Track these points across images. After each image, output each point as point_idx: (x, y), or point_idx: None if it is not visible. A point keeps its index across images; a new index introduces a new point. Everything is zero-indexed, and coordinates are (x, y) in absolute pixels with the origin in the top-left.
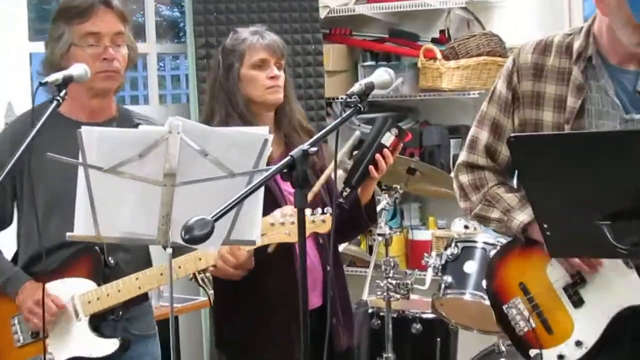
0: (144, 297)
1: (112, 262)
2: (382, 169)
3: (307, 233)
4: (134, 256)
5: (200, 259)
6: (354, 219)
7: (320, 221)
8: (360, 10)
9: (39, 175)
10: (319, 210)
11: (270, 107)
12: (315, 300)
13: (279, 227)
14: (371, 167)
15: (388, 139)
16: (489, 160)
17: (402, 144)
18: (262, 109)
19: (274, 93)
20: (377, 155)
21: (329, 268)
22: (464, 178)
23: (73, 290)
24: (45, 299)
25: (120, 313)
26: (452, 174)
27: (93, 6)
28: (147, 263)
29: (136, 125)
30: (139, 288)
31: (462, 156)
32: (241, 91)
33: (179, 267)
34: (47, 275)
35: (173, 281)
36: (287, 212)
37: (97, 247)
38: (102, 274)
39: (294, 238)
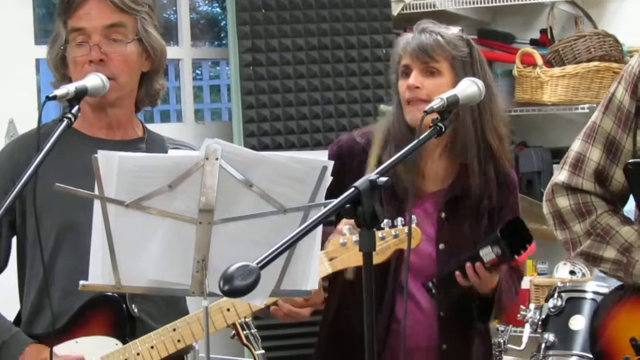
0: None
1: (135, 311)
2: (472, 280)
3: (390, 251)
4: (164, 305)
5: (228, 310)
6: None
7: (406, 235)
8: (443, 5)
9: (44, 203)
10: (399, 220)
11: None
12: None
13: (353, 246)
14: (458, 273)
15: (487, 254)
16: (598, 186)
17: (503, 266)
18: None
19: (410, 112)
20: (468, 265)
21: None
22: (563, 202)
23: (91, 353)
24: None
25: None
26: (545, 197)
27: None
28: (182, 313)
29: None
30: (178, 341)
31: (562, 176)
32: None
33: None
34: (56, 335)
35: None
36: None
37: (116, 294)
38: (126, 328)
39: (379, 257)
